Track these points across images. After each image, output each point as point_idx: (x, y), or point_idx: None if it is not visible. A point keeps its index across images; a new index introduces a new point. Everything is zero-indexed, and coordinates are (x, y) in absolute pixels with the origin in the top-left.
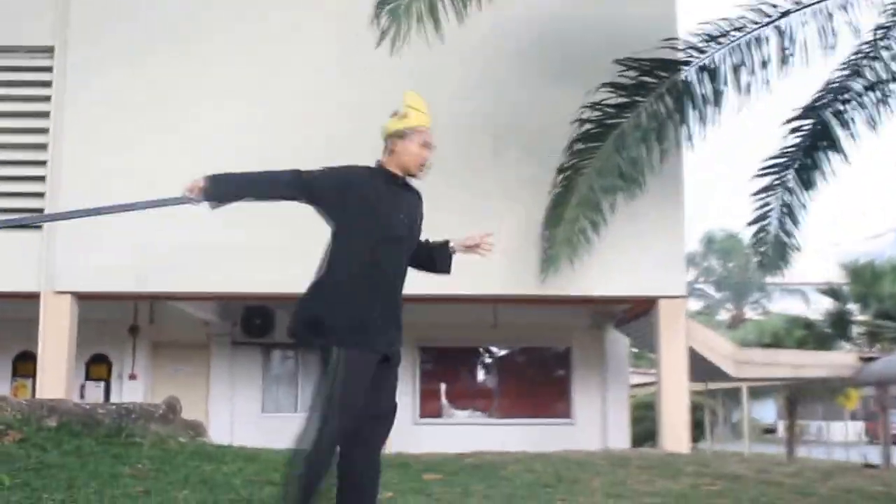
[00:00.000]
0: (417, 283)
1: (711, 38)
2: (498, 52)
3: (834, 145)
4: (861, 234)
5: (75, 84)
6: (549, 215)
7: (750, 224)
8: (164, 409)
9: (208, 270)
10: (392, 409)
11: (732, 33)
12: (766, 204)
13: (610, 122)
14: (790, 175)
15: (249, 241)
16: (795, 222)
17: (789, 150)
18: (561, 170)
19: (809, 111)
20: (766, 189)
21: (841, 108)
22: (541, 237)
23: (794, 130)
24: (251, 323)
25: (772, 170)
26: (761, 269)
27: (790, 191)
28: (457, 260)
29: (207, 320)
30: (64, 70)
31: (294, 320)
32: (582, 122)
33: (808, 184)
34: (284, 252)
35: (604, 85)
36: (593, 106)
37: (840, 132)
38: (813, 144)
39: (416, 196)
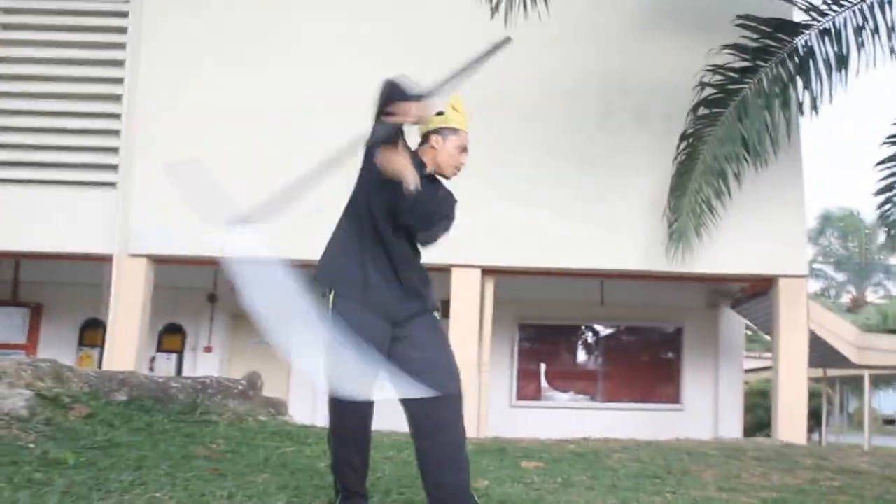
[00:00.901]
0: (516, 255)
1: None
2: (606, 8)
3: None
4: None
5: (152, 34)
6: (673, 185)
7: (876, 195)
8: (245, 384)
9: (294, 233)
10: (440, 391)
11: None
12: (894, 174)
13: (732, 87)
14: None
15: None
16: None
17: None
18: (684, 136)
19: None
20: (893, 157)
21: None
22: (665, 209)
23: None
24: None
25: None
26: (888, 246)
27: None
28: (561, 234)
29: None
30: (140, 20)
31: None
32: (703, 85)
33: None
34: None
35: (726, 47)
36: (716, 69)
37: None
38: None
39: (437, 191)
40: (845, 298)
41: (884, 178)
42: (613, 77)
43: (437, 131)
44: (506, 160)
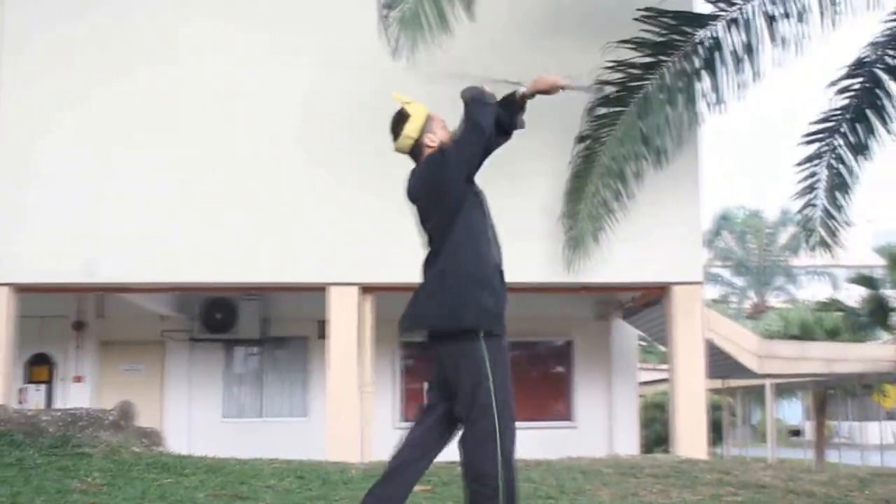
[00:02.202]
0: (397, 270)
1: None
2: (507, 8)
3: (885, 104)
4: None
5: (16, 34)
6: (569, 189)
7: (796, 197)
8: (117, 414)
9: (164, 259)
10: None
11: None
12: (813, 174)
13: (633, 84)
14: (839, 141)
15: (210, 226)
16: (847, 194)
17: (837, 113)
18: (581, 138)
19: (858, 68)
20: (812, 157)
21: (892, 59)
22: (561, 215)
23: (841, 91)
24: (212, 317)
25: (819, 135)
26: (810, 249)
27: (840, 158)
28: None
29: (163, 314)
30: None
31: None
32: (602, 83)
33: (859, 149)
34: (249, 238)
35: (624, 42)
36: (616, 66)
37: (894, 87)
38: (864, 105)
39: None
40: (746, 304)
41: (803, 180)
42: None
43: (423, 130)
44: (384, 169)
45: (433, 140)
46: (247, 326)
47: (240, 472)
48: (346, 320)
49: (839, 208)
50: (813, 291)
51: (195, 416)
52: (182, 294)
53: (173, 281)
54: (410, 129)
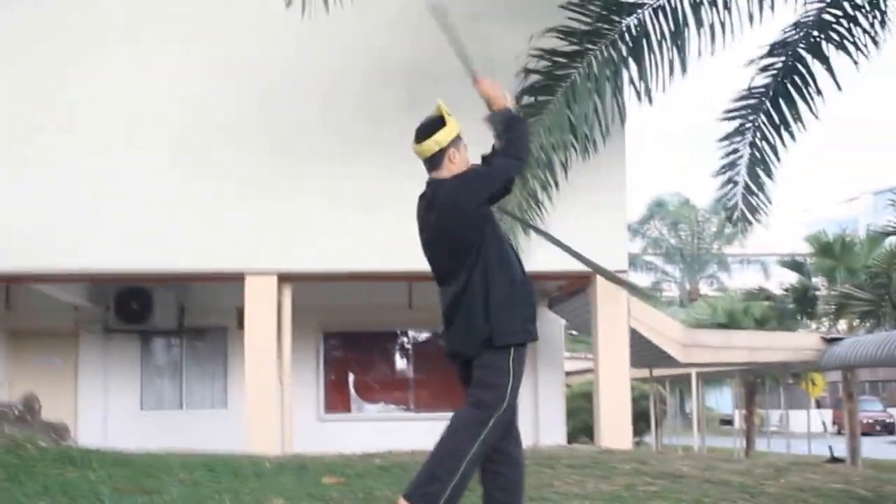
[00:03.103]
0: (316, 258)
1: None
2: None
3: (809, 82)
4: (835, 197)
5: None
6: None
7: (717, 174)
8: (21, 408)
9: (77, 246)
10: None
11: None
12: (735, 151)
13: (560, 72)
14: (761, 119)
15: (125, 212)
16: (769, 172)
17: (759, 90)
18: None
19: (781, 47)
20: (734, 133)
21: (816, 39)
22: None
23: (763, 69)
24: (127, 307)
25: (741, 112)
26: (729, 231)
27: (762, 135)
28: (364, 232)
29: (76, 304)
30: None
31: None
32: (528, 72)
33: (782, 127)
34: (165, 225)
35: (551, 30)
36: (542, 55)
37: (817, 67)
38: (786, 82)
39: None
40: (677, 293)
41: (725, 156)
42: (421, 63)
43: (453, 144)
44: (303, 153)
45: (455, 157)
46: (164, 316)
47: (149, 466)
48: (264, 310)
49: (761, 186)
50: (744, 280)
51: (112, 408)
52: (96, 284)
53: (82, 269)
54: (442, 137)
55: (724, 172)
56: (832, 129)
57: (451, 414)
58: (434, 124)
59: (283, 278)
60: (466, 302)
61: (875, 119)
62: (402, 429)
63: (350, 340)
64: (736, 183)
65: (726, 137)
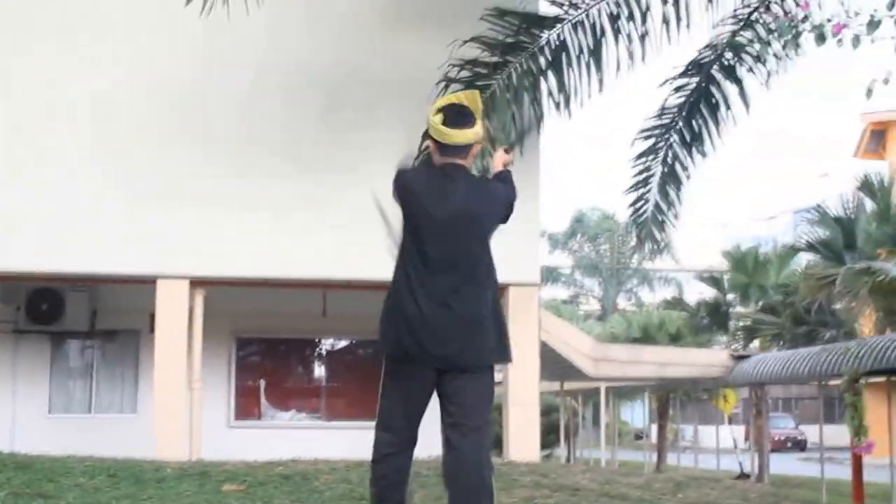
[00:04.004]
0: (229, 264)
1: None
2: None
3: (720, 104)
4: (753, 215)
5: None
6: None
7: (628, 191)
8: None
9: None
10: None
11: None
12: (647, 169)
13: (480, 83)
14: (674, 137)
15: (36, 211)
16: (678, 189)
17: (672, 110)
18: (426, 135)
19: (694, 67)
20: (647, 152)
21: (729, 62)
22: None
23: (678, 89)
24: (37, 308)
25: (654, 131)
26: (640, 247)
27: (674, 154)
28: (279, 241)
29: None
30: None
31: None
32: (448, 81)
33: (693, 145)
34: (75, 225)
35: (472, 40)
36: (463, 65)
37: (729, 88)
38: (699, 101)
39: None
40: (596, 306)
41: (638, 174)
42: (340, 68)
43: (479, 141)
44: (216, 157)
45: (475, 151)
46: (75, 318)
47: (49, 470)
48: (176, 314)
49: (670, 203)
50: (662, 295)
51: (19, 411)
52: (6, 283)
53: None
54: (480, 130)
55: (636, 189)
56: (756, 142)
57: (360, 423)
58: (472, 116)
59: (195, 283)
60: (471, 300)
61: (798, 134)
62: (312, 437)
63: (263, 347)
64: (647, 200)
65: (640, 156)
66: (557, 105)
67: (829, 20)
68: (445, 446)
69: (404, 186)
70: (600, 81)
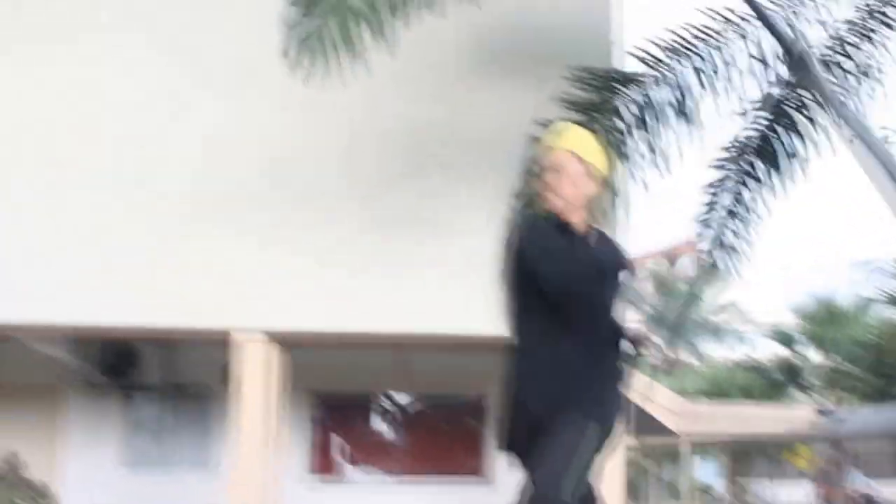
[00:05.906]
0: (310, 320)
1: (672, 50)
2: (423, 56)
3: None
4: (813, 262)
5: None
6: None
7: (696, 220)
8: (2, 467)
9: (58, 298)
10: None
11: (694, 42)
12: (715, 201)
13: None
14: (745, 168)
15: (109, 264)
16: (746, 222)
17: (742, 143)
18: (518, 195)
19: (768, 103)
20: (716, 184)
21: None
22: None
23: (750, 122)
24: (110, 362)
25: (725, 163)
26: (705, 274)
27: (745, 184)
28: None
29: (56, 358)
30: None
31: None
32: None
33: (763, 178)
34: (153, 282)
35: (556, 99)
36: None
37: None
38: (771, 131)
39: None
40: (660, 359)
41: (706, 204)
42: (430, 128)
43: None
44: (306, 213)
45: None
46: (147, 372)
47: None
48: (252, 369)
49: (737, 235)
50: (726, 349)
51: (93, 467)
52: (79, 338)
53: (66, 323)
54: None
55: (703, 219)
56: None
57: (437, 479)
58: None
59: (273, 338)
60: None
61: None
62: (390, 494)
63: (340, 403)
64: (711, 227)
65: (710, 186)
66: (643, 159)
67: None
68: None
69: None
70: (690, 132)
